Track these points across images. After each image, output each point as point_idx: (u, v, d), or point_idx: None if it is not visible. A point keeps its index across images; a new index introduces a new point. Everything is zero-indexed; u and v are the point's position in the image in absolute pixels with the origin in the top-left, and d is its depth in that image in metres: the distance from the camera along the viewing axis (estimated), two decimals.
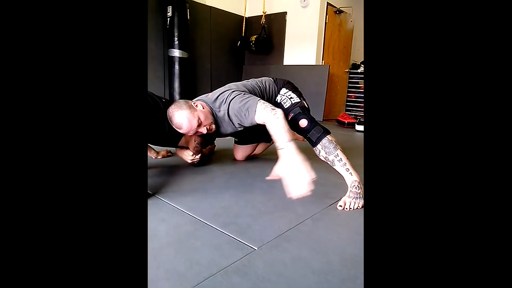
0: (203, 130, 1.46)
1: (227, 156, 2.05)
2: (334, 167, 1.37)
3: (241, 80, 1.71)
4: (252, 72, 4.76)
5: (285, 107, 1.53)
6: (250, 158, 2.00)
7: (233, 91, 1.45)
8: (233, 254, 0.89)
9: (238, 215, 1.17)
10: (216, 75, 4.70)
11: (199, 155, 1.72)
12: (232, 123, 1.46)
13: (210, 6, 4.44)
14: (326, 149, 1.36)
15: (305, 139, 1.46)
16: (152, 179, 1.54)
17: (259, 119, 1.32)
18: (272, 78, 1.67)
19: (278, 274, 0.81)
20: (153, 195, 1.33)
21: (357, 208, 1.26)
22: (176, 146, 1.77)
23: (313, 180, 1.04)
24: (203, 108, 1.47)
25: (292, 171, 1.08)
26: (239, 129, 1.50)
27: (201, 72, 4.52)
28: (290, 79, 1.74)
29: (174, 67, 3.83)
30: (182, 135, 1.63)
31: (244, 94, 1.43)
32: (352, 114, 4.50)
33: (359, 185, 1.29)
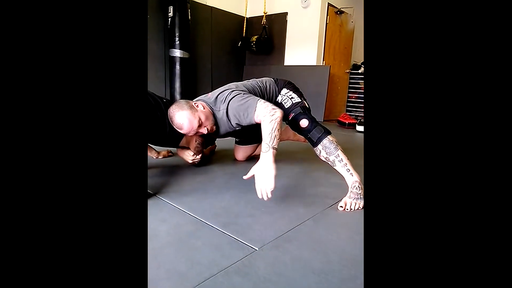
0: (204, 130, 1.46)
1: (228, 157, 2.06)
2: (334, 167, 1.37)
3: (241, 81, 1.71)
4: (253, 73, 4.77)
5: (286, 107, 1.53)
6: (251, 158, 2.00)
7: (232, 91, 1.45)
8: (233, 254, 0.90)
9: (238, 215, 1.17)
10: (217, 75, 4.70)
11: (200, 155, 1.73)
12: (230, 122, 1.46)
13: (211, 7, 4.44)
14: (327, 149, 1.36)
15: (306, 140, 1.46)
16: (153, 179, 1.54)
17: (257, 117, 1.31)
18: (273, 79, 1.67)
19: (279, 274, 0.81)
20: (154, 195, 1.33)
21: (357, 208, 1.26)
22: (177, 146, 1.77)
23: (272, 190, 1.15)
24: (204, 109, 1.47)
25: (262, 176, 1.17)
26: (237, 128, 1.49)
27: (202, 72, 4.52)
28: (291, 79, 1.74)
29: (175, 67, 3.83)
30: (183, 135, 1.64)
31: (244, 93, 1.43)
32: (352, 115, 4.50)
33: (359, 186, 1.28)
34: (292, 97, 1.55)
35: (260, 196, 1.16)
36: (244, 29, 4.77)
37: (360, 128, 3.58)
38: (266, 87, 1.60)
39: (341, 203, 1.27)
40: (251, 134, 1.76)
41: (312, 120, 1.44)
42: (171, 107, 1.47)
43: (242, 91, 1.46)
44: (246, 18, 4.80)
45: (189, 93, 3.94)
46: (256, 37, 4.56)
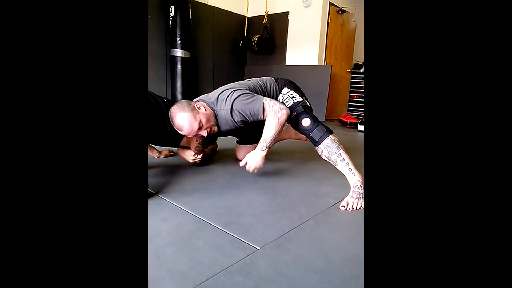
0: (204, 133, 1.46)
1: (229, 156, 2.06)
2: (336, 167, 1.36)
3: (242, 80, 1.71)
4: (254, 72, 4.76)
5: (288, 106, 1.53)
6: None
7: (236, 90, 1.45)
8: (235, 253, 0.90)
9: (240, 214, 1.17)
10: (218, 75, 4.70)
11: (201, 155, 1.73)
12: (234, 120, 1.46)
13: (213, 6, 4.44)
14: (329, 148, 1.35)
15: (308, 139, 1.45)
16: (154, 179, 1.54)
17: (265, 113, 1.40)
18: (274, 78, 1.67)
19: (281, 273, 0.81)
20: (155, 194, 1.33)
21: (359, 208, 1.26)
22: (177, 146, 1.77)
23: (259, 169, 1.49)
24: (206, 110, 1.47)
25: (253, 158, 1.47)
26: (241, 126, 1.51)
27: (203, 72, 4.52)
28: (292, 79, 1.74)
29: (176, 66, 3.83)
30: (183, 135, 1.64)
31: (247, 92, 1.44)
32: (354, 114, 4.49)
33: (361, 185, 1.28)
34: (293, 96, 1.55)
35: (249, 170, 1.48)
36: (246, 28, 4.77)
37: (362, 127, 3.57)
38: (267, 86, 1.60)
39: (343, 203, 1.27)
40: (252, 133, 1.76)
41: (314, 119, 1.44)
42: (172, 108, 1.46)
43: (245, 89, 1.46)
44: (248, 17, 4.79)
45: (191, 93, 3.95)
46: (257, 36, 4.55)
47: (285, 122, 1.40)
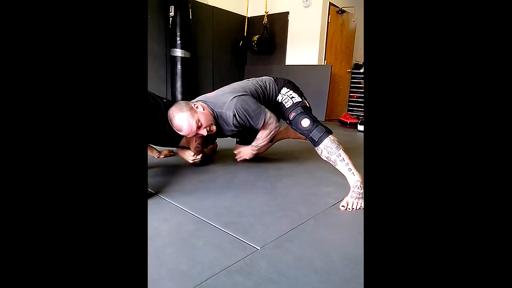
0: (203, 132, 1.46)
1: (229, 156, 2.05)
2: (336, 167, 1.36)
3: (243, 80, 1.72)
4: (254, 72, 4.76)
5: (287, 106, 1.53)
6: (252, 158, 2.00)
7: (238, 95, 1.46)
8: (235, 253, 0.90)
9: (240, 214, 1.17)
10: (218, 75, 4.70)
11: (201, 155, 1.73)
12: (233, 124, 1.48)
13: (212, 6, 4.44)
14: (328, 148, 1.35)
15: (307, 139, 1.45)
16: (154, 179, 1.54)
17: (264, 125, 1.52)
18: (273, 78, 1.67)
19: (281, 273, 0.81)
20: (155, 194, 1.33)
21: (359, 208, 1.26)
22: (177, 146, 1.77)
23: (244, 159, 1.78)
24: (204, 110, 1.47)
25: (244, 152, 1.74)
26: (239, 129, 1.54)
27: (203, 72, 4.52)
28: (292, 79, 1.74)
29: (176, 66, 3.83)
30: (182, 135, 1.64)
31: (250, 98, 1.47)
32: (354, 114, 4.49)
33: (361, 185, 1.28)
34: (292, 97, 1.55)
35: (238, 159, 1.80)
36: (246, 28, 4.77)
37: (361, 127, 3.57)
38: (266, 86, 1.60)
39: (343, 203, 1.27)
40: (251, 135, 1.76)
41: (313, 119, 1.44)
42: (170, 109, 1.47)
43: (248, 95, 1.48)
44: (248, 17, 4.79)
45: (191, 93, 3.95)
46: (257, 36, 4.55)
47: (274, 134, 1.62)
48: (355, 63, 5.17)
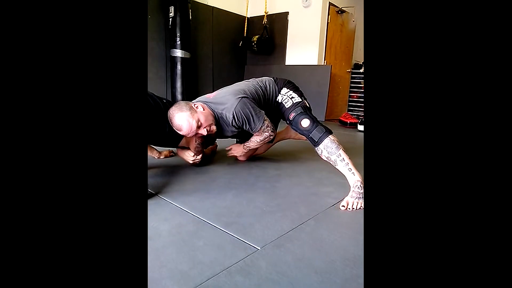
0: (203, 131, 1.46)
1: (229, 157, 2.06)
2: (336, 167, 1.36)
3: (242, 81, 1.72)
4: (254, 72, 4.76)
5: (287, 107, 1.54)
6: (252, 158, 2.00)
7: (240, 97, 1.47)
8: (236, 253, 0.90)
9: (240, 215, 1.17)
10: (218, 75, 4.70)
11: (200, 155, 1.73)
12: (232, 126, 1.49)
13: (212, 6, 4.44)
14: (328, 149, 1.36)
15: (307, 139, 1.45)
16: (154, 179, 1.54)
17: (260, 130, 1.53)
18: (273, 78, 1.67)
19: (281, 273, 0.81)
20: (155, 194, 1.33)
21: (359, 208, 1.26)
22: (176, 146, 1.77)
23: (235, 155, 1.87)
24: (204, 110, 1.47)
25: (237, 150, 1.80)
26: (238, 130, 1.55)
27: (203, 72, 4.52)
28: (292, 79, 1.74)
29: (176, 67, 3.83)
30: (182, 135, 1.64)
31: (250, 102, 1.48)
32: (354, 114, 4.49)
33: (361, 185, 1.28)
34: (292, 97, 1.55)
35: (228, 154, 1.86)
36: (245, 28, 4.77)
37: (361, 127, 3.57)
38: (267, 86, 1.60)
39: (343, 203, 1.27)
40: (251, 136, 1.77)
41: (313, 120, 1.44)
42: (170, 109, 1.47)
43: (248, 99, 1.48)
44: (247, 17, 4.79)
45: (191, 93, 3.95)
46: (257, 36, 4.55)
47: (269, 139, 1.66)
48: (355, 63, 5.17)
